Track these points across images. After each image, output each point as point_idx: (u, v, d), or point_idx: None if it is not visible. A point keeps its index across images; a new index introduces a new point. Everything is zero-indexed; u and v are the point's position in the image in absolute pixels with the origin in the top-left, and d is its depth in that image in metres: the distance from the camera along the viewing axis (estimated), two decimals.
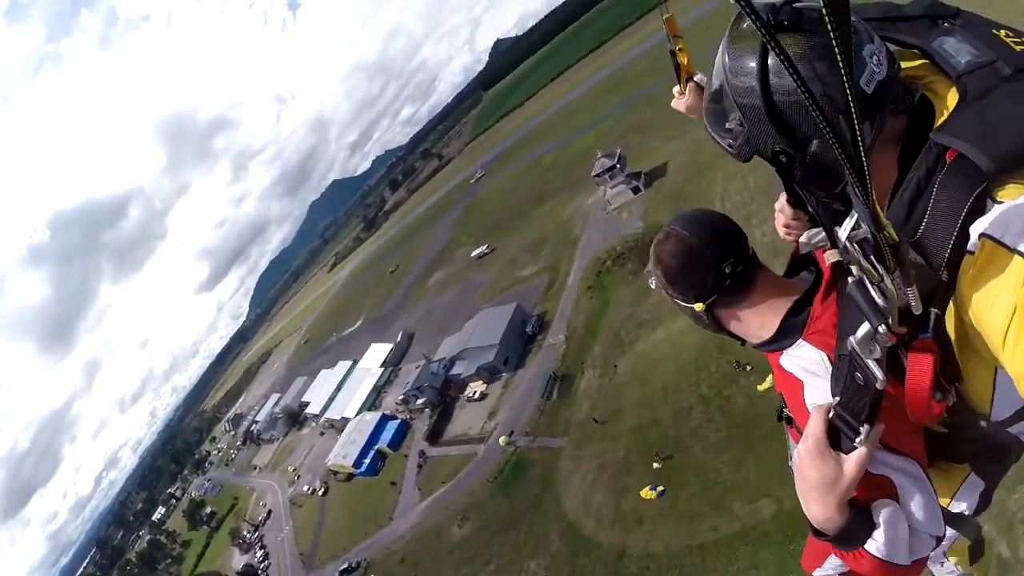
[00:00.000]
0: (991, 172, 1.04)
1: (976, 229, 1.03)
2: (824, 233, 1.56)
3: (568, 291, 48.77)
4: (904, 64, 1.27)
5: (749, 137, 1.24)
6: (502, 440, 39.61)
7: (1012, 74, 1.15)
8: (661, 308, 35.77)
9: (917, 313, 1.12)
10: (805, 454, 1.28)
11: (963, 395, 1.33)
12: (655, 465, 28.34)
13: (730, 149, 1.30)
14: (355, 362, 76.93)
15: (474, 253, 76.01)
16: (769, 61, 1.13)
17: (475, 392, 47.64)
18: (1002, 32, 1.25)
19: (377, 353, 72.30)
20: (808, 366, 1.46)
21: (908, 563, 1.30)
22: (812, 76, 1.06)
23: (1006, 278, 0.97)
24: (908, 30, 1.34)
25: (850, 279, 1.19)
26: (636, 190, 53.24)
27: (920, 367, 1.22)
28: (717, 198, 39.70)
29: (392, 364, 68.22)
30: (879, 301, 1.12)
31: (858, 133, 0.90)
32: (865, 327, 1.16)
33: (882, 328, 1.13)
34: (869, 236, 1.05)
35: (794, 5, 1.11)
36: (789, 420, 1.59)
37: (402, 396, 55.78)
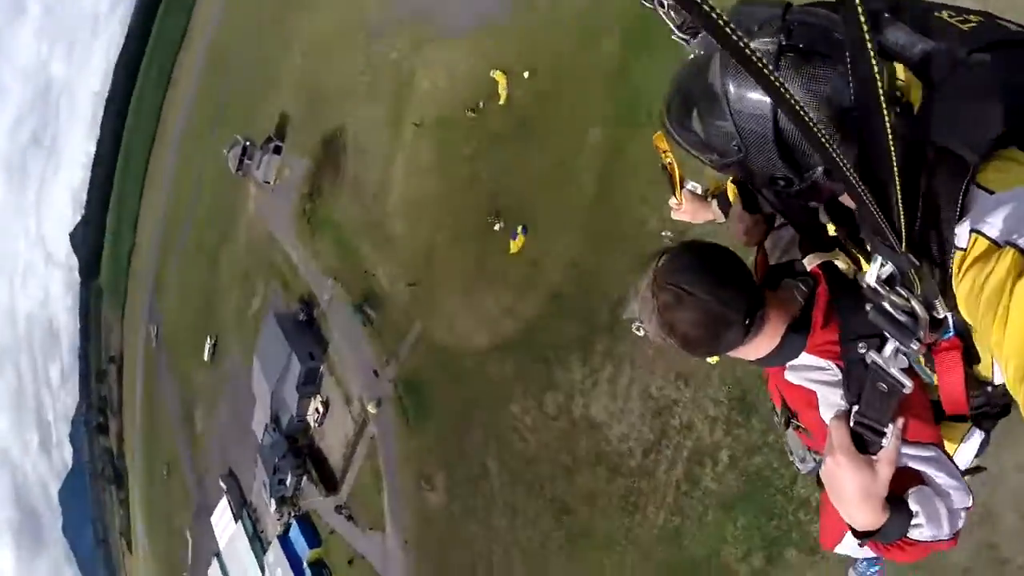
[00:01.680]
0: (975, 162, 1.06)
1: (965, 225, 1.05)
2: (792, 231, 1.69)
3: (302, 267, 43.80)
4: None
5: (746, 160, 1.21)
6: (371, 408, 34.01)
7: (967, 57, 1.17)
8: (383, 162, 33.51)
9: (942, 317, 1.17)
10: (836, 467, 1.29)
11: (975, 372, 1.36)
12: (496, 227, 25.79)
13: (716, 166, 1.31)
14: (218, 556, 63.89)
15: (206, 357, 65.67)
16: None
17: (317, 410, 41.26)
18: (944, 14, 1.26)
19: (222, 523, 60.65)
20: (816, 376, 1.49)
21: (950, 537, 1.35)
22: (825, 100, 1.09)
23: (996, 271, 0.98)
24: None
25: (868, 307, 1.22)
26: (278, 149, 49.80)
27: (952, 366, 1.28)
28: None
29: (240, 507, 57.54)
30: (905, 321, 1.16)
31: (897, 194, 0.95)
32: (891, 345, 1.21)
33: (914, 345, 1.17)
34: (896, 273, 1.14)
35: (800, 20, 1.14)
36: (798, 427, 1.63)
37: (273, 505, 47.02)
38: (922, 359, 1.35)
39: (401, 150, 34.03)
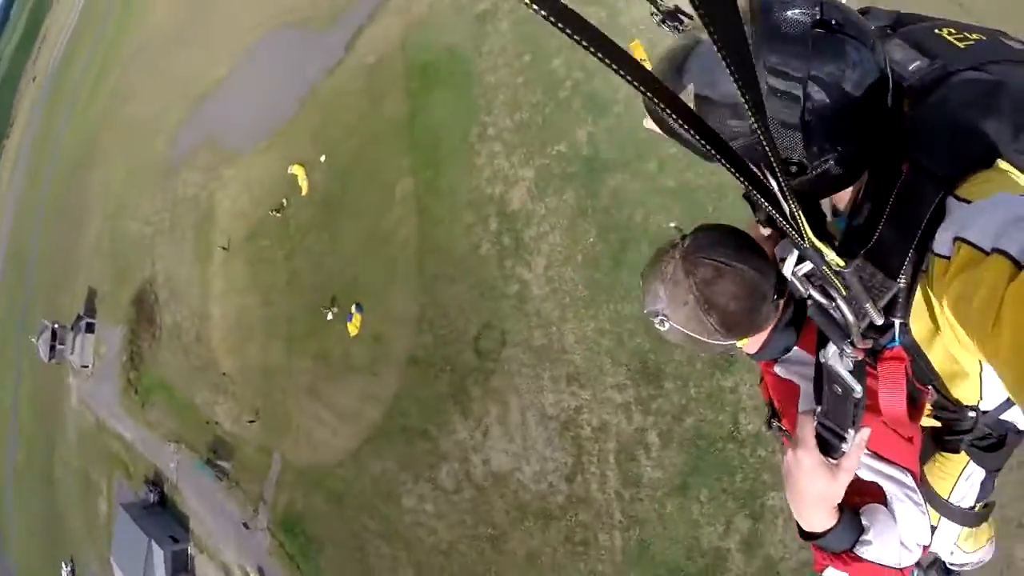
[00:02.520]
0: (949, 179, 1.06)
1: (948, 232, 1.03)
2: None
3: (140, 444, 37.62)
4: None
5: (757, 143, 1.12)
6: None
7: (960, 74, 1.17)
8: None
9: (879, 324, 1.15)
10: (795, 462, 1.29)
11: (946, 392, 1.32)
12: (329, 316, 22.87)
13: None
14: None
15: None
16: (816, 72, 1.08)
17: None
18: (944, 31, 1.26)
19: None
20: (804, 371, 1.48)
21: (897, 567, 1.33)
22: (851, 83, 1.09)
23: (984, 278, 0.94)
24: None
25: (809, 303, 1.23)
26: (90, 327, 44.69)
27: (892, 375, 1.23)
28: None
29: None
30: (839, 321, 1.16)
31: (780, 180, 0.90)
32: (832, 346, 1.21)
33: (847, 347, 1.16)
34: (815, 270, 1.12)
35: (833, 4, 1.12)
36: (780, 429, 1.61)
37: None
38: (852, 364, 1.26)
39: (214, 279, 30.96)
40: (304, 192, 25.61)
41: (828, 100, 1.08)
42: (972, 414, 1.37)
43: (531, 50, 17.31)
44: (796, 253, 1.16)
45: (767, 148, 0.82)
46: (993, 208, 0.99)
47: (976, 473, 1.54)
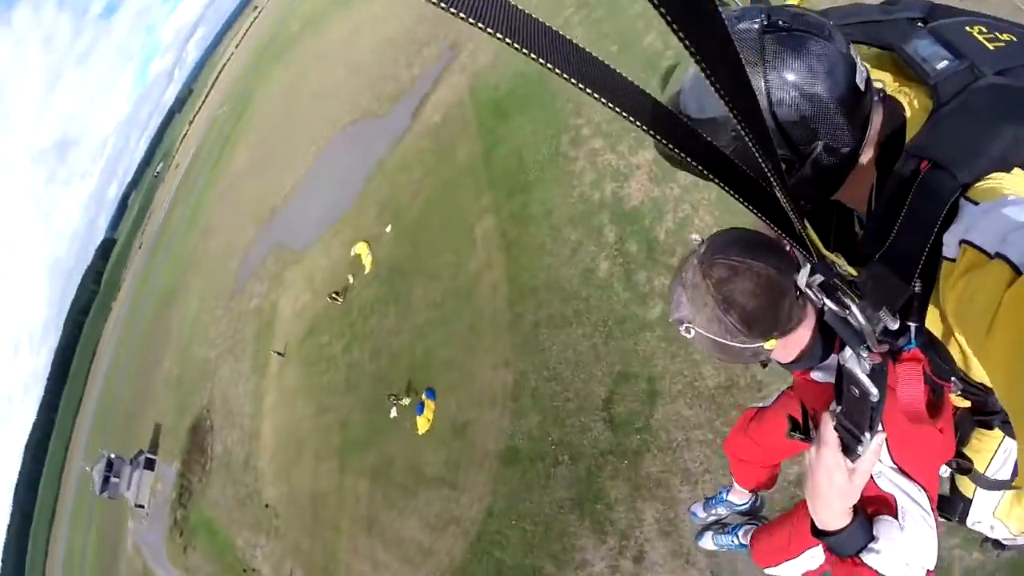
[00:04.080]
0: (966, 182, 1.05)
1: (955, 235, 1.03)
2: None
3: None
4: (879, 72, 1.27)
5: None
6: None
7: (987, 78, 1.14)
8: None
9: (894, 329, 1.14)
10: (816, 458, 1.30)
11: (969, 379, 1.29)
12: (393, 413, 16.58)
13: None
14: None
15: None
16: (773, 70, 1.12)
17: None
18: (975, 29, 1.23)
19: None
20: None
21: None
22: (812, 82, 1.11)
23: (984, 282, 0.94)
24: (882, 32, 1.31)
25: (826, 310, 1.21)
26: (150, 463, 41.72)
27: (910, 376, 1.24)
28: None
29: None
30: (855, 326, 1.14)
31: (789, 204, 0.89)
32: (849, 349, 1.18)
33: (863, 352, 1.15)
34: (826, 280, 1.12)
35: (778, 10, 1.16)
36: (803, 437, 1.50)
37: None
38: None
39: (267, 391, 26.33)
40: (368, 269, 21.26)
41: (794, 92, 1.11)
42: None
43: (617, 41, 14.16)
44: (808, 265, 1.16)
45: (757, 152, 0.78)
46: (1000, 211, 0.97)
47: (1013, 447, 1.59)
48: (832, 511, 1.31)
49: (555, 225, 13.05)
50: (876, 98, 1.24)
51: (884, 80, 1.29)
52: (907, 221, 1.10)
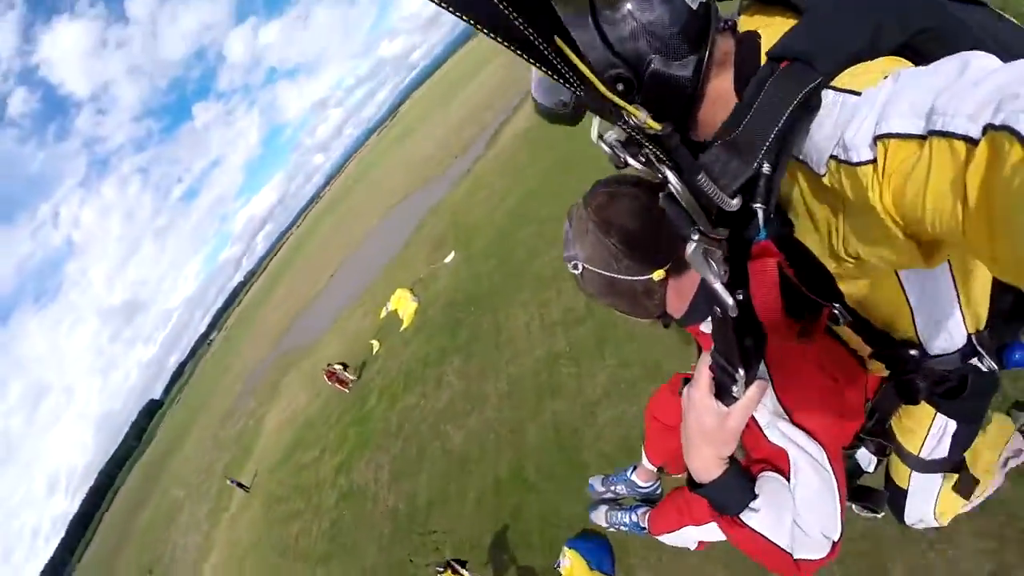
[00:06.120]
0: (828, 72, 0.97)
1: (861, 135, 0.89)
2: None
3: None
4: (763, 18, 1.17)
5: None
6: None
7: None
8: None
9: (733, 209, 0.95)
10: (687, 401, 1.21)
11: (875, 318, 1.23)
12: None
13: (565, 101, 1.14)
14: None
15: None
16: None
17: None
18: None
19: None
20: None
21: (789, 551, 1.21)
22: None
23: (932, 167, 0.78)
24: None
25: (661, 193, 1.04)
26: None
27: (761, 273, 1.04)
28: None
29: None
30: (679, 197, 0.98)
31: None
32: (693, 242, 0.97)
33: (695, 235, 0.95)
34: (626, 132, 0.93)
35: None
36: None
37: None
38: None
39: (215, 544, 17.13)
40: (406, 323, 12.77)
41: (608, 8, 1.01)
42: (913, 352, 1.27)
43: None
44: (597, 119, 1.07)
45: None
46: (900, 93, 0.86)
47: (948, 426, 1.46)
48: (702, 458, 1.20)
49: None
50: (724, 25, 1.12)
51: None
52: (757, 111, 0.96)
